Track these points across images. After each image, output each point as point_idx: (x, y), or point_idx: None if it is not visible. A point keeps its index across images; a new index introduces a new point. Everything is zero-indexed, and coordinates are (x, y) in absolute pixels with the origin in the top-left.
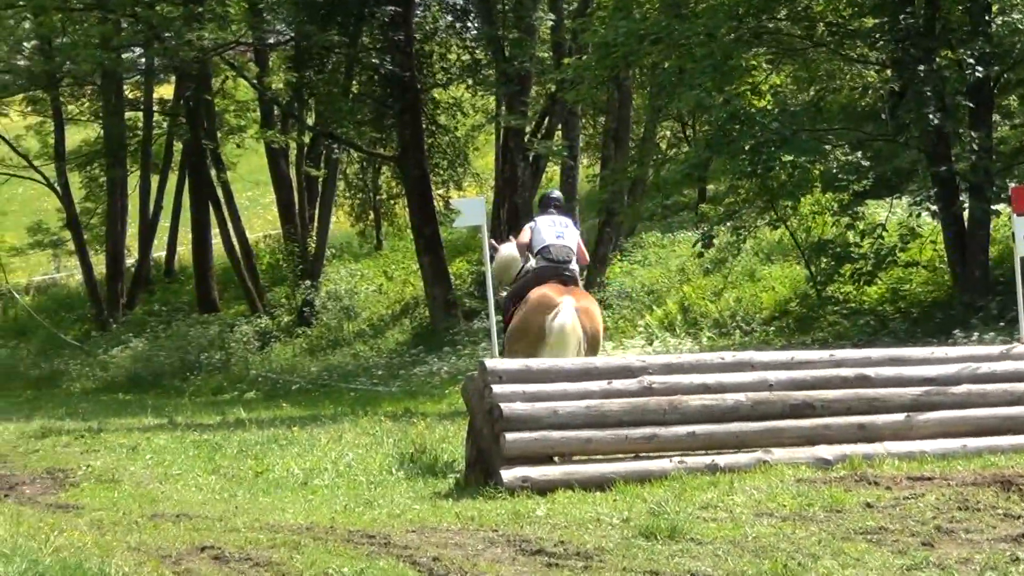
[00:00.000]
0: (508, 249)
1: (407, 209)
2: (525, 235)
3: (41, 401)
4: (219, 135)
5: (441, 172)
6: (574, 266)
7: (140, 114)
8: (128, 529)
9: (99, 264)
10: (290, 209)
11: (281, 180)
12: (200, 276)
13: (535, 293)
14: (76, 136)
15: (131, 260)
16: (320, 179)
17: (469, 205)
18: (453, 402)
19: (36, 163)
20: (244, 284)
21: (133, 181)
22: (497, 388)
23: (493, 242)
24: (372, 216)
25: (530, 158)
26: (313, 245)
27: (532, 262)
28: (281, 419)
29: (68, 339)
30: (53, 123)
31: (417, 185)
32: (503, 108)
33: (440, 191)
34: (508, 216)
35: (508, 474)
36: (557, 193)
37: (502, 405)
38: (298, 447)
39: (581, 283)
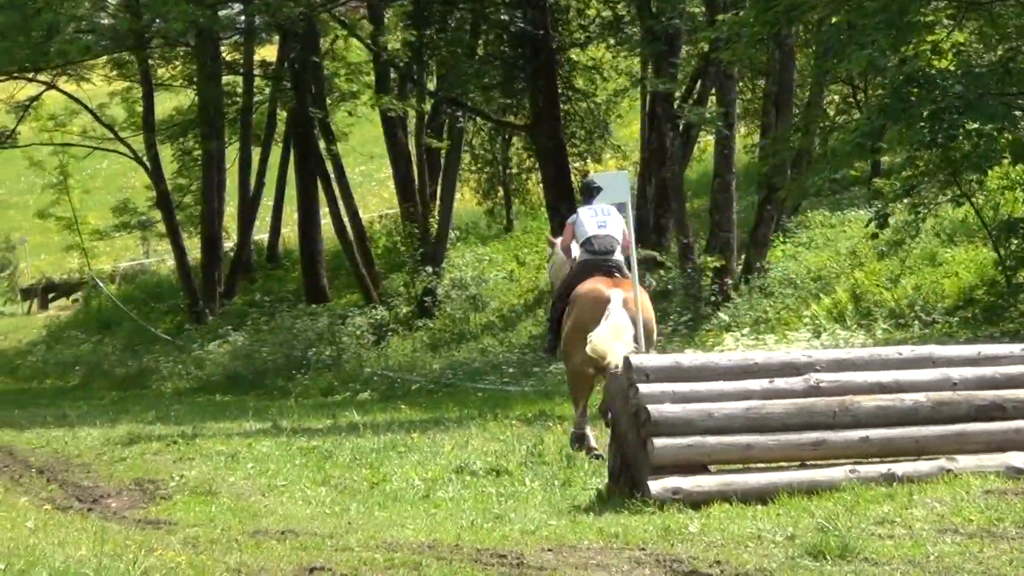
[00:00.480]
0: (559, 251)
1: (541, 185)
2: (568, 233)
3: (128, 403)
4: (328, 102)
5: (578, 143)
6: (618, 256)
7: (239, 78)
8: (227, 548)
9: (193, 248)
10: (409, 185)
11: (398, 153)
12: (307, 262)
13: (583, 289)
14: (167, 104)
15: (229, 244)
16: (443, 151)
17: (611, 180)
18: (594, 403)
19: (122, 134)
20: (357, 270)
21: (231, 154)
22: (644, 388)
23: (551, 238)
24: (501, 193)
25: (680, 127)
26: (435, 226)
27: (576, 253)
28: (399, 423)
29: (158, 333)
30: (141, 89)
31: (552, 157)
32: (649, 70)
33: (577, 164)
34: (656, 193)
35: (656, 485)
36: (597, 182)
37: (649, 407)
38: (419, 454)
39: (627, 272)
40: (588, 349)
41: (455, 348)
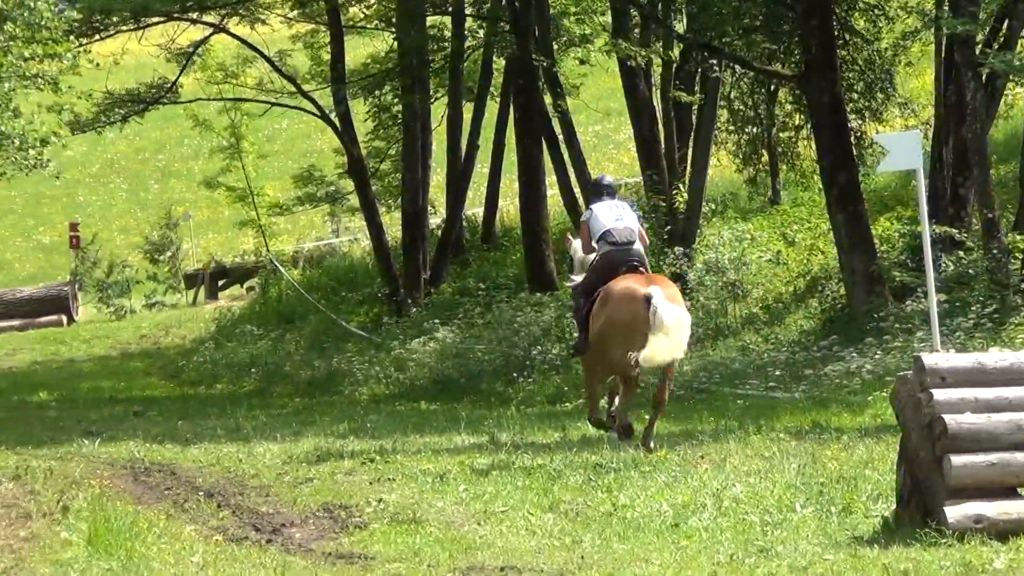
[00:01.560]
0: (578, 247)
1: (814, 148)
2: (584, 232)
3: (315, 412)
4: (556, 48)
5: (857, 97)
6: (638, 246)
7: (447, 19)
8: None
9: (393, 225)
10: (653, 149)
11: (640, 109)
12: (531, 241)
13: (617, 285)
14: (360, 50)
15: (436, 220)
16: (694, 107)
17: (899, 142)
18: (880, 413)
19: (306, 87)
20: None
21: (438, 111)
22: (939, 394)
23: (570, 236)
24: (765, 158)
25: (983, 77)
26: (684, 198)
27: (597, 247)
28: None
29: (351, 328)
30: (329, 33)
31: (827, 116)
32: (945, 8)
33: (856, 123)
34: (954, 158)
35: (954, 511)
36: (609, 179)
37: (946, 417)
38: (666, 475)
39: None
40: (659, 359)
41: (710, 345)
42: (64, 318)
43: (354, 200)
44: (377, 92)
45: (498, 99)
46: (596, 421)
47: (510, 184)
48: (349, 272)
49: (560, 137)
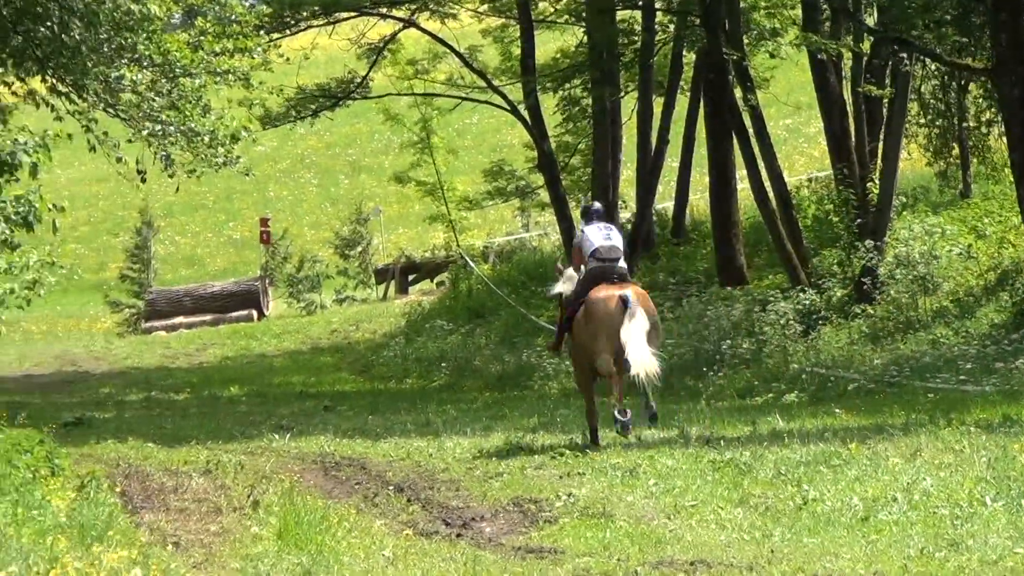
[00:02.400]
0: (571, 272)
1: (1004, 141)
2: (576, 257)
3: (505, 407)
4: (746, 41)
5: None
6: (622, 264)
7: (637, 13)
8: None
9: None
10: (844, 143)
11: (831, 103)
12: (721, 235)
13: (598, 293)
14: (550, 45)
15: (626, 214)
16: (885, 101)
17: None
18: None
19: (497, 82)
20: (781, 246)
21: (628, 105)
22: None
23: (560, 266)
24: (956, 151)
25: None
26: (876, 191)
27: (587, 263)
28: (833, 430)
29: (541, 322)
30: (519, 27)
31: (1018, 110)
32: None
33: None
34: None
35: None
36: (598, 205)
37: None
38: (856, 469)
39: (630, 280)
40: (635, 370)
41: (900, 339)
42: (255, 313)
43: (544, 195)
44: (567, 86)
45: (688, 93)
46: (622, 424)
47: (700, 178)
48: (539, 266)
49: (750, 131)
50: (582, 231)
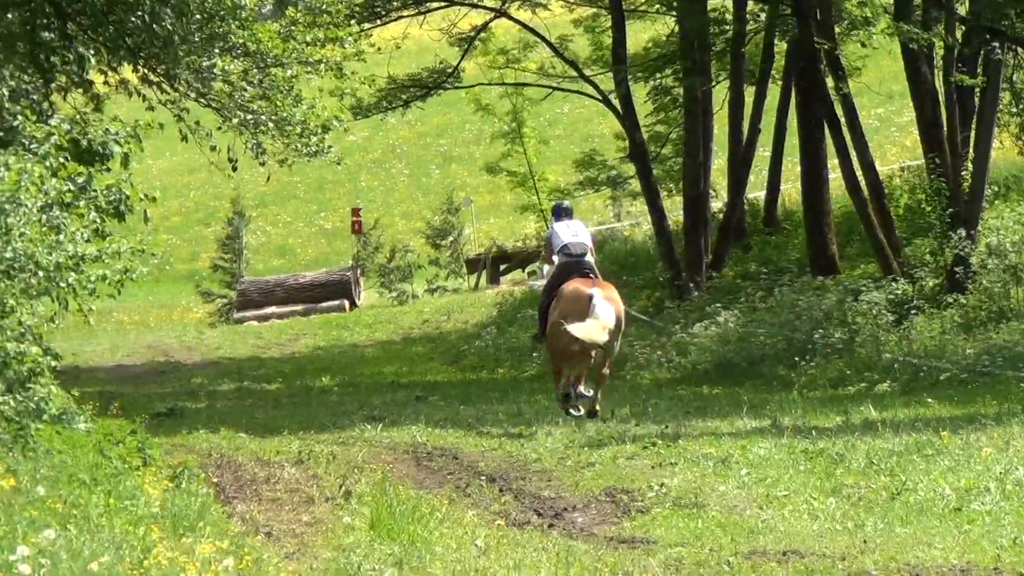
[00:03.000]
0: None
1: None
2: (548, 245)
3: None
4: (837, 30)
5: None
6: (589, 258)
7: (729, 2)
8: (717, 571)
9: (674, 209)
10: (936, 132)
11: (923, 92)
12: (813, 225)
13: (568, 288)
14: (641, 35)
15: (718, 204)
16: (977, 90)
17: None
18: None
19: (588, 72)
20: (873, 235)
21: (719, 95)
22: None
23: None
24: None
25: None
26: (968, 180)
27: (556, 259)
28: (925, 420)
29: (633, 312)
30: (610, 16)
31: None
32: None
33: None
34: None
35: None
36: (566, 204)
37: None
38: (949, 459)
39: (598, 273)
40: (578, 334)
41: (993, 329)
42: (347, 303)
43: (635, 184)
44: (658, 76)
45: (780, 82)
46: (561, 397)
47: (792, 168)
48: (630, 256)
49: (842, 120)
50: (552, 228)
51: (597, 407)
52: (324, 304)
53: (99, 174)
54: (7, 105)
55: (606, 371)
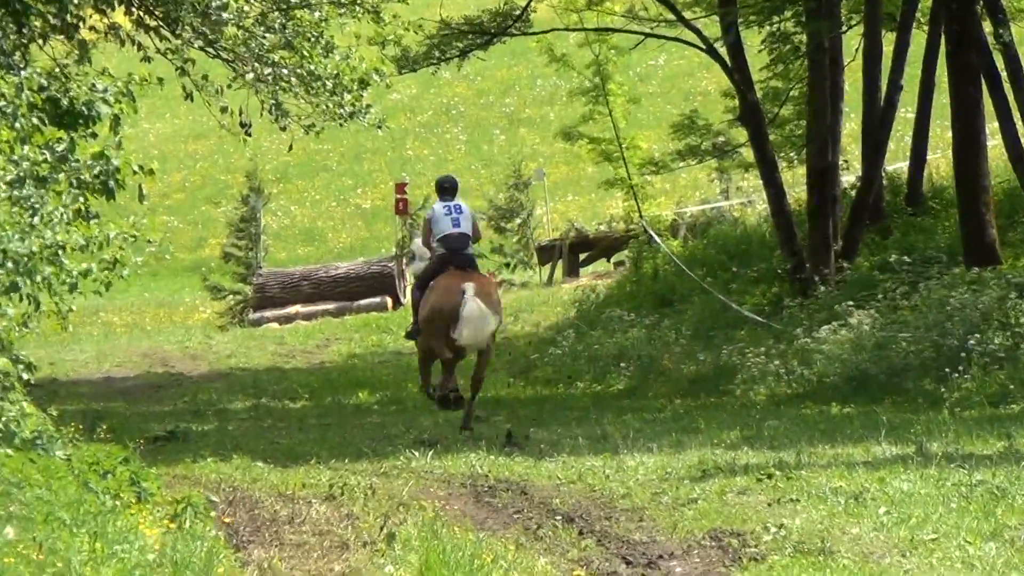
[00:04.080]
0: (419, 247)
1: None
2: (425, 232)
3: (699, 417)
4: None
5: None
6: (469, 250)
7: None
8: None
9: (796, 184)
10: None
11: None
12: (968, 204)
13: (441, 281)
14: None
15: (850, 177)
16: None
17: None
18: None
19: (688, 15)
20: None
21: (852, 43)
22: None
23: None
24: None
25: None
26: None
27: (435, 247)
28: None
29: (744, 311)
30: None
31: None
32: None
33: None
34: None
35: None
36: (450, 180)
37: None
38: None
39: (478, 266)
40: (464, 341)
41: None
42: (389, 300)
43: (747, 154)
44: (775, 20)
45: (926, 27)
46: (428, 394)
47: (941, 133)
48: (741, 243)
49: (1003, 74)
50: (433, 210)
51: (471, 423)
52: (361, 302)
53: (83, 141)
54: None
55: (482, 374)
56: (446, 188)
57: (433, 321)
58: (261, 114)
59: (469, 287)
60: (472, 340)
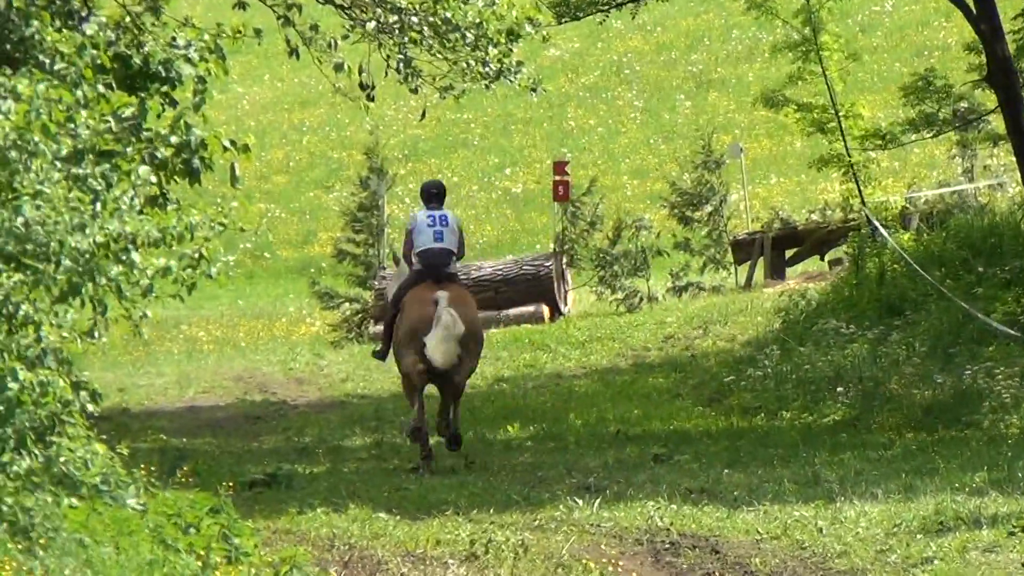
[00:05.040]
0: (403, 266)
1: None
2: (407, 244)
3: (936, 454)
4: None
5: None
6: (450, 268)
7: None
8: None
9: None
10: None
11: None
12: None
13: (414, 294)
14: None
15: None
16: None
17: None
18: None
19: None
20: None
21: None
22: None
23: (397, 256)
24: None
25: None
26: None
27: (415, 261)
28: None
29: (993, 323)
30: None
31: None
32: None
33: None
34: None
35: None
36: (436, 185)
37: None
38: None
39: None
40: (427, 352)
41: None
42: (546, 309)
43: (997, 123)
44: None
45: None
46: (412, 429)
47: None
48: (989, 236)
49: None
50: (415, 219)
51: (457, 430)
52: (511, 311)
53: (158, 108)
54: (17, 4)
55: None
56: (432, 194)
57: (407, 335)
58: (385, 74)
59: (442, 296)
60: (436, 351)
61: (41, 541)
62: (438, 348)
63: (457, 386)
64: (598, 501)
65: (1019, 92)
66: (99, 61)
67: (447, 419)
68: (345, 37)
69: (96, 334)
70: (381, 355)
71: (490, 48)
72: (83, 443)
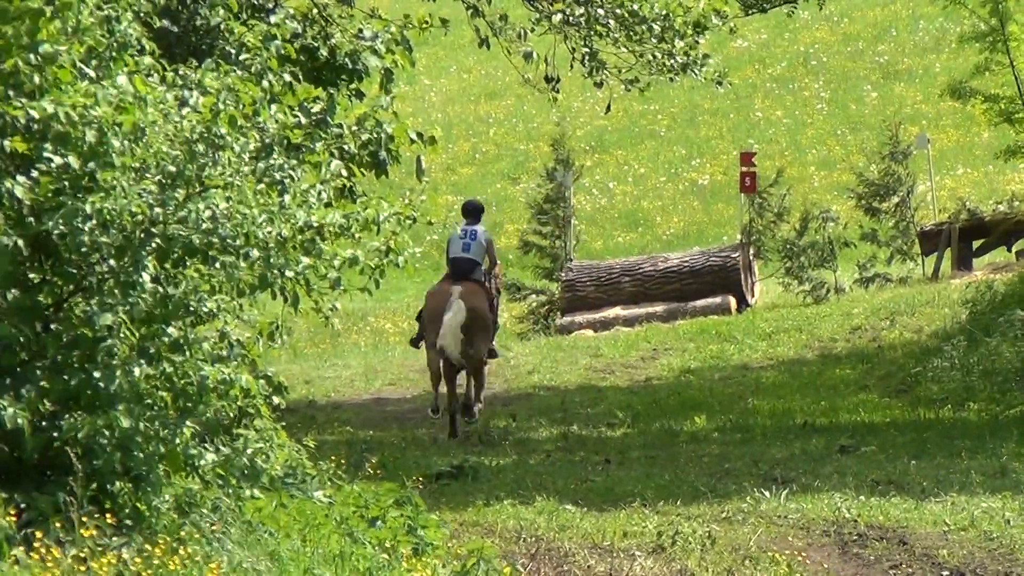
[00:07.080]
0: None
1: None
2: (446, 251)
3: None
4: None
5: None
6: (475, 275)
7: None
8: None
9: None
10: None
11: None
12: None
13: (436, 290)
14: None
15: None
16: None
17: None
18: None
19: None
20: None
21: None
22: None
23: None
24: None
25: None
26: None
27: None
28: None
29: None
30: None
31: None
32: None
33: None
34: None
35: None
36: (474, 203)
37: None
38: None
39: (485, 280)
40: (441, 349)
41: None
42: (732, 300)
43: None
44: None
45: None
46: (434, 408)
47: None
48: None
49: None
50: (454, 229)
51: (478, 406)
52: (697, 303)
53: (346, 101)
54: None
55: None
56: (469, 211)
57: (428, 325)
58: (571, 66)
59: (455, 290)
60: (443, 340)
61: (227, 533)
62: (446, 335)
63: (471, 361)
64: (785, 492)
65: None
66: (284, 52)
67: (467, 391)
68: (532, 30)
69: (277, 339)
70: (415, 342)
71: (676, 40)
72: (268, 436)
